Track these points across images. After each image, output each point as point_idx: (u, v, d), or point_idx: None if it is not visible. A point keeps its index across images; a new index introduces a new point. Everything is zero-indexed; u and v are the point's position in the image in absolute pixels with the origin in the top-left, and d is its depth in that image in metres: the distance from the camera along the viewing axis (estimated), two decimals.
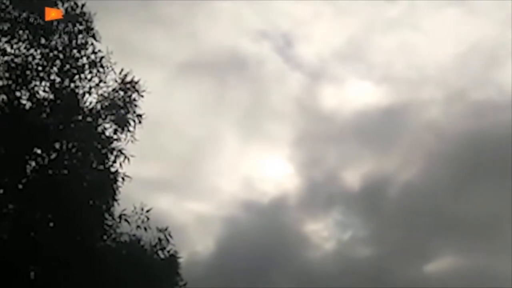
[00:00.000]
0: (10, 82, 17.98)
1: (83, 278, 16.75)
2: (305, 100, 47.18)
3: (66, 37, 18.66)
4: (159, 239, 19.35)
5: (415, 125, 45.47)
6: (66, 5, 18.78)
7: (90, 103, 18.79)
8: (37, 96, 18.23)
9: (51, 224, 17.75)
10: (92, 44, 18.96)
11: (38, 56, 18.34)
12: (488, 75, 46.42)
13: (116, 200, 18.65)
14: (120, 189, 18.76)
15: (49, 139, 17.99)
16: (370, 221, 43.03)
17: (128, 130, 19.00)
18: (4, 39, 18.13)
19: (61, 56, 18.47)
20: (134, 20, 36.83)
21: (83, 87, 18.73)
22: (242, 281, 32.48)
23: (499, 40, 44.85)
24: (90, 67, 18.82)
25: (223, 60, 45.12)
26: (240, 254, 36.75)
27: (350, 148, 45.86)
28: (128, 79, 19.20)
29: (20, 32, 18.25)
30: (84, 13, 18.93)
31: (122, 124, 18.98)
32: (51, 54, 18.40)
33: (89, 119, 18.59)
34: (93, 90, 18.85)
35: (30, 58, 18.24)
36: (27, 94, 18.13)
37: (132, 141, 18.99)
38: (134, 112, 19.18)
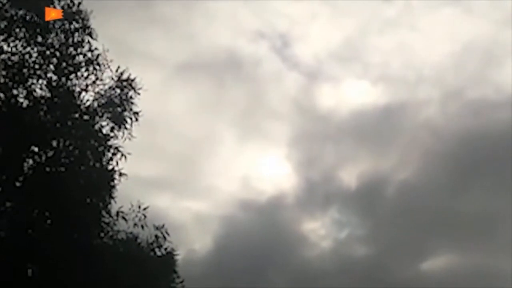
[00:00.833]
0: (7, 80, 17.98)
1: (80, 275, 16.74)
2: (302, 100, 47.39)
3: (62, 35, 18.68)
4: (156, 237, 19.38)
5: (412, 124, 45.67)
6: (62, 3, 18.77)
7: (87, 100, 18.85)
8: (34, 94, 18.24)
9: (49, 222, 17.78)
10: (88, 42, 18.98)
11: (35, 54, 18.35)
12: (484, 74, 46.71)
13: (113, 198, 18.70)
14: (117, 187, 18.86)
15: (46, 137, 18.00)
16: (367, 220, 43.21)
17: (125, 128, 19.05)
18: (1, 37, 18.12)
19: (57, 54, 18.49)
20: (131, 20, 36.98)
21: (80, 85, 18.79)
22: (240, 279, 32.59)
23: (495, 39, 45.20)
24: (86, 65, 18.84)
25: (220, 60, 45.35)
26: (238, 252, 36.85)
27: (347, 147, 46.06)
28: (125, 76, 19.24)
29: (17, 30, 18.24)
30: (81, 11, 18.94)
31: (119, 122, 19.02)
32: (47, 52, 18.41)
33: (86, 116, 18.60)
34: (89, 87, 18.92)
35: (27, 56, 18.25)
36: (24, 92, 18.15)
37: (129, 139, 19.07)
38: (131, 109, 19.23)
